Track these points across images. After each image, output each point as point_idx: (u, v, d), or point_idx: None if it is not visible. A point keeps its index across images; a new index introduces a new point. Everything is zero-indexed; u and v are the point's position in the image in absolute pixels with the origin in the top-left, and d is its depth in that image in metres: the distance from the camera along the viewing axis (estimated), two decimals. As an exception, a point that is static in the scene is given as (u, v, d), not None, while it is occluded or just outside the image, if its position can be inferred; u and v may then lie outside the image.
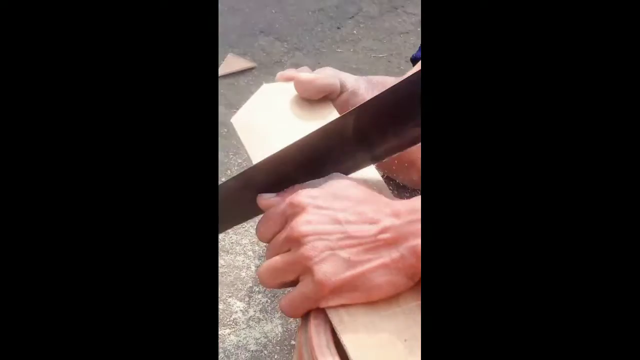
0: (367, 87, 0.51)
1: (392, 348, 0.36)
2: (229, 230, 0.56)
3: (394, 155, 0.47)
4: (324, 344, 0.37)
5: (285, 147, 0.43)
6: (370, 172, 0.46)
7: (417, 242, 0.36)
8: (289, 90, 0.49)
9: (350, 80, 0.50)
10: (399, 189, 0.59)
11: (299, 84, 0.48)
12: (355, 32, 0.82)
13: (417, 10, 0.84)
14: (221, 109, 0.67)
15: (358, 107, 0.42)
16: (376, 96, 0.42)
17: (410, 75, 0.42)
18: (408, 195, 0.59)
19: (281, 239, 0.39)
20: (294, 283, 0.39)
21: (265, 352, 0.51)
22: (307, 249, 0.37)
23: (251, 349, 0.51)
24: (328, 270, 0.37)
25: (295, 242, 0.37)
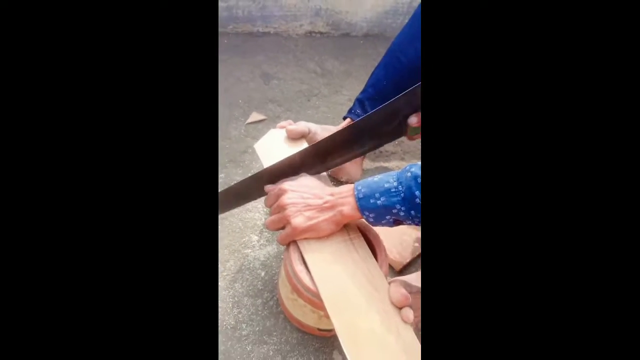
0: (321, 130, 0.72)
1: (328, 261, 0.52)
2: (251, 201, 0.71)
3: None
4: (297, 259, 0.53)
5: (278, 163, 0.60)
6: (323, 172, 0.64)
7: (341, 208, 0.50)
8: (283, 133, 0.69)
9: (313, 127, 0.71)
10: (335, 182, 0.84)
11: (288, 132, 0.69)
12: (317, 103, 1.08)
13: (349, 92, 1.10)
14: (249, 140, 0.92)
15: (317, 143, 0.60)
16: (328, 137, 0.59)
17: (343, 129, 0.60)
18: (338, 184, 0.81)
19: (275, 206, 0.55)
20: (282, 228, 0.55)
21: (268, 261, 0.71)
22: (287, 212, 0.52)
23: (261, 260, 0.72)
24: (298, 222, 0.52)
25: (282, 208, 0.53)
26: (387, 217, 0.50)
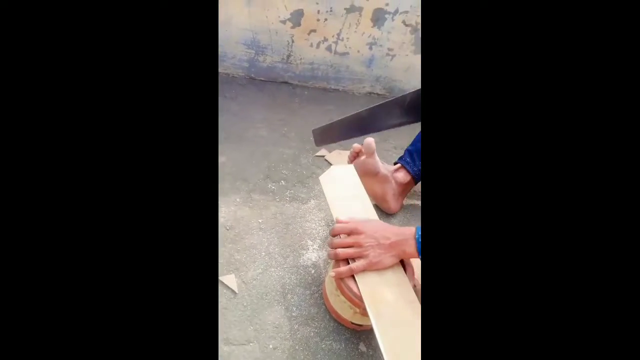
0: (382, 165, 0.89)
1: (380, 286, 0.60)
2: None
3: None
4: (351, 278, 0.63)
5: (349, 116, 0.73)
6: (368, 202, 0.76)
7: (404, 247, 0.59)
8: (343, 170, 0.83)
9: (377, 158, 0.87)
10: (378, 210, 0.94)
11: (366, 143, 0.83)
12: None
13: (394, 142, 1.24)
14: (314, 168, 1.07)
15: (373, 107, 0.70)
16: (372, 107, 0.70)
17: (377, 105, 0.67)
18: (384, 216, 0.98)
19: (351, 242, 0.63)
20: (346, 262, 0.62)
21: (317, 262, 0.82)
22: (363, 250, 0.62)
23: (312, 260, 0.84)
24: (372, 258, 0.61)
25: (359, 246, 0.63)
26: None
